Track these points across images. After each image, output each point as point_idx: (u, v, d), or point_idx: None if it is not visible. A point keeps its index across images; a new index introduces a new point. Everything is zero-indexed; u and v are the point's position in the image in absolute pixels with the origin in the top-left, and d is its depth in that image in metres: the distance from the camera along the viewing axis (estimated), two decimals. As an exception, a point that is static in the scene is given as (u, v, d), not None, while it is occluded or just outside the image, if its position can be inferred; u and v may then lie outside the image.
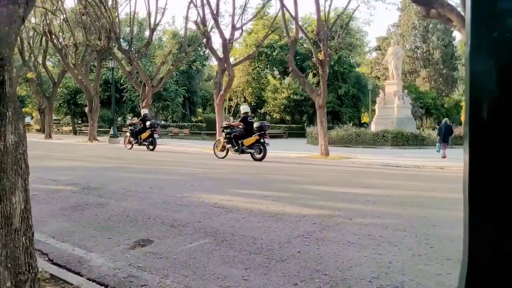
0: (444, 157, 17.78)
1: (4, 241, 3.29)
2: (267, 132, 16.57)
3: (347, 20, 20.81)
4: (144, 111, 22.85)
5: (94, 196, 8.39)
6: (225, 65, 22.84)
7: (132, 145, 21.73)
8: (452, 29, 57.23)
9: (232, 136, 16.84)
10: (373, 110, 45.87)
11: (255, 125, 16.70)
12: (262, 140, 16.20)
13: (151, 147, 20.74)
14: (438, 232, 5.58)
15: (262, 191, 8.97)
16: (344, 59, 43.11)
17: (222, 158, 17.42)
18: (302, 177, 11.74)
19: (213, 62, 60.41)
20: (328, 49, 17.39)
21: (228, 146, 17.14)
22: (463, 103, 59.26)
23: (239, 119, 18.03)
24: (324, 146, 17.80)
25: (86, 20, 29.22)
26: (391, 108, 29.38)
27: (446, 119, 23.13)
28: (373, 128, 29.35)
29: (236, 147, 16.78)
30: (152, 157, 18.50)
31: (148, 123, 20.81)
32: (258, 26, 43.07)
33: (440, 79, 55.68)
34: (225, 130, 17.56)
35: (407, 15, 57.00)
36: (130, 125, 22.65)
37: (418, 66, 55.94)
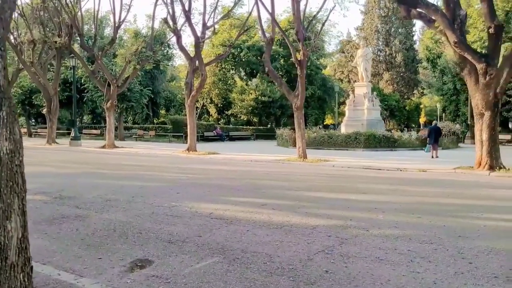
0: (436, 157, 18.83)
1: (-3, 282, 2.51)
2: None
3: (324, 20, 20.48)
4: None
5: (70, 207, 7.51)
6: (196, 65, 22.02)
7: None
8: (414, 34, 58.87)
9: None
10: (340, 112, 46.30)
11: None
12: None
13: None
14: (468, 244, 5.16)
15: (257, 198, 8.35)
16: (312, 61, 43.04)
17: None
18: (293, 183, 11.17)
19: (176, 62, 59.18)
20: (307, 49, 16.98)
21: None
22: (422, 106, 61.12)
23: None
24: (302, 149, 17.36)
25: (44, 15, 27.50)
26: (361, 110, 29.39)
27: (435, 121, 24.21)
28: (343, 130, 29.25)
29: None
30: (123, 161, 17.50)
31: None
32: (225, 26, 42.38)
33: (402, 81, 56.99)
34: None
35: (370, 19, 58.00)
36: None
37: (381, 69, 57.02)
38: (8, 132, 2.55)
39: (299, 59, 16.78)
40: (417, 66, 57.35)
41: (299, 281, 4.12)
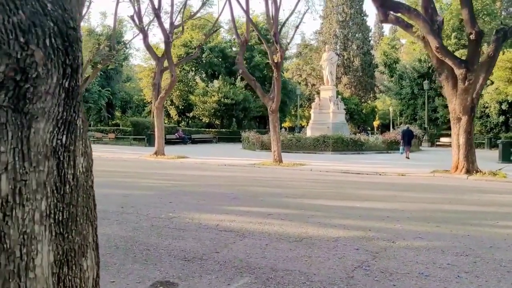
0: (407, 157, 20.51)
1: None
2: None
3: (298, 23, 20.27)
4: None
5: (55, 220, 6.72)
6: (163, 65, 21.24)
7: None
8: (370, 39, 60.35)
9: None
10: (303, 116, 46.62)
11: None
12: None
13: None
14: (505, 256, 5.01)
15: (259, 207, 7.90)
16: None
17: None
18: (286, 189, 10.72)
19: (131, 62, 57.33)
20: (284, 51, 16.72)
21: None
22: (376, 109, 62.75)
23: None
24: (278, 152, 17.05)
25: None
26: (326, 113, 29.46)
27: (408, 125, 26.23)
28: (309, 133, 29.24)
29: None
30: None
31: None
32: (186, 26, 41.42)
33: (360, 85, 58.27)
34: None
35: (329, 23, 58.90)
36: None
37: (340, 73, 58.01)
38: (83, 145, 2.00)
39: (275, 61, 16.46)
40: (374, 71, 58.88)
41: (352, 303, 3.76)
